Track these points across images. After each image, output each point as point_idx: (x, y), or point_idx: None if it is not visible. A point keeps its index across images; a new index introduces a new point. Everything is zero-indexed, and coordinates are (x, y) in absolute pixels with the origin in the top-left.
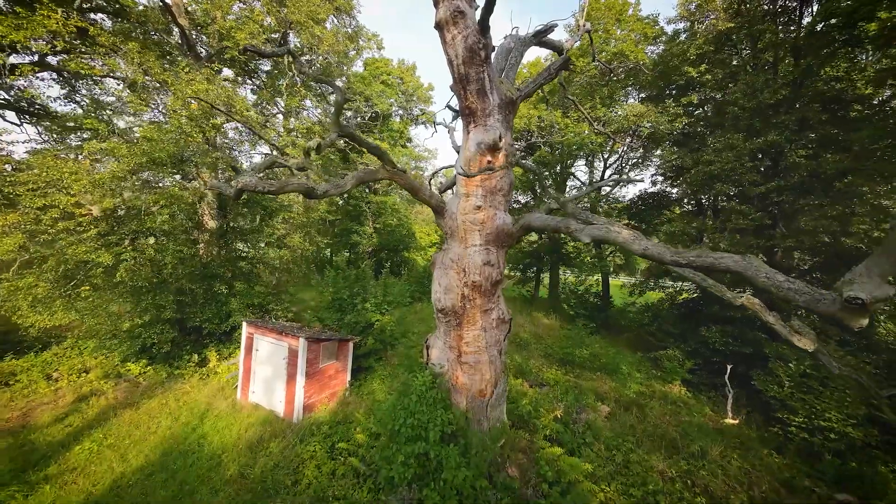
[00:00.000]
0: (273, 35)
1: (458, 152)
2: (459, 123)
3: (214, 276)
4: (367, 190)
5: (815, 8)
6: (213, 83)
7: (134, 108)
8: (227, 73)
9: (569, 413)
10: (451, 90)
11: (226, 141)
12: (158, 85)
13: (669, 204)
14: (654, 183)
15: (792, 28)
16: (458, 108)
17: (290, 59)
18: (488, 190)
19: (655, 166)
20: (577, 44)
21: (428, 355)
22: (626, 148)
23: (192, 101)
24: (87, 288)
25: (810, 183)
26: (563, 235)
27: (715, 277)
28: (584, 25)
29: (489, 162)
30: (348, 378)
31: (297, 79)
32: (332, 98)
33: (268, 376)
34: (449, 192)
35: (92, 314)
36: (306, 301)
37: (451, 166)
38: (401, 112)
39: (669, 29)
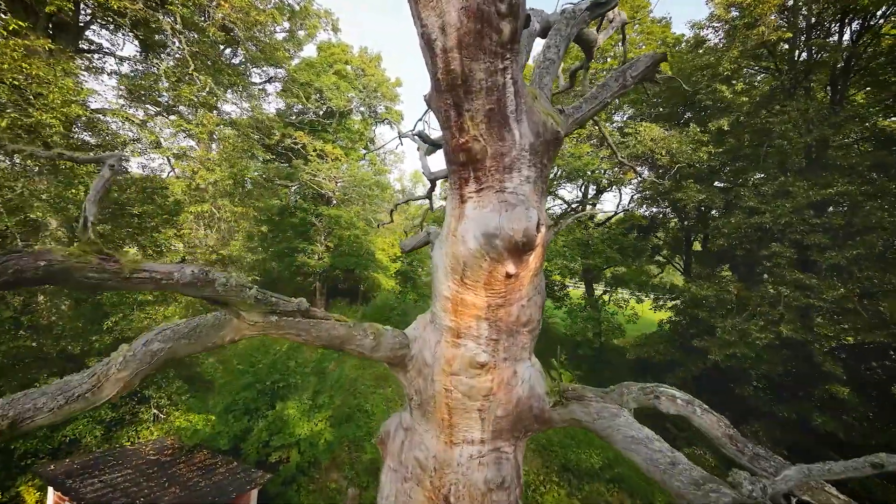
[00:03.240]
0: None
1: (431, 182)
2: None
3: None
4: (319, 200)
5: (853, 27)
6: None
7: None
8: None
9: None
10: (428, 104)
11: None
12: None
13: (656, 229)
14: (640, 204)
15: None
16: (436, 139)
17: None
18: (504, 328)
19: (636, 187)
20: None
21: None
22: (640, 178)
23: None
24: None
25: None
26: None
27: None
28: (618, 15)
29: (509, 276)
30: None
31: (187, 55)
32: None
33: None
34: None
35: None
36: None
37: (420, 197)
38: (363, 109)
39: (692, 35)
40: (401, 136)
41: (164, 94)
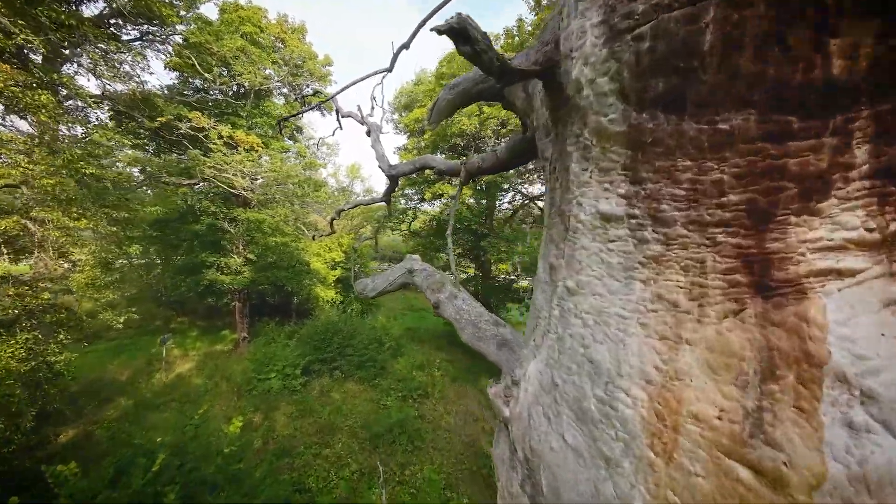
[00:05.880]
0: None
1: (391, 181)
2: (382, 117)
3: None
4: (233, 201)
5: None
6: None
7: None
8: None
9: None
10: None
11: None
12: None
13: None
14: None
15: None
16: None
17: None
18: None
19: None
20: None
21: None
22: None
23: None
24: None
25: None
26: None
27: None
28: None
29: None
30: None
31: None
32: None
33: None
34: None
35: None
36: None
37: (377, 200)
38: (286, 91)
39: None
40: (339, 115)
41: None
